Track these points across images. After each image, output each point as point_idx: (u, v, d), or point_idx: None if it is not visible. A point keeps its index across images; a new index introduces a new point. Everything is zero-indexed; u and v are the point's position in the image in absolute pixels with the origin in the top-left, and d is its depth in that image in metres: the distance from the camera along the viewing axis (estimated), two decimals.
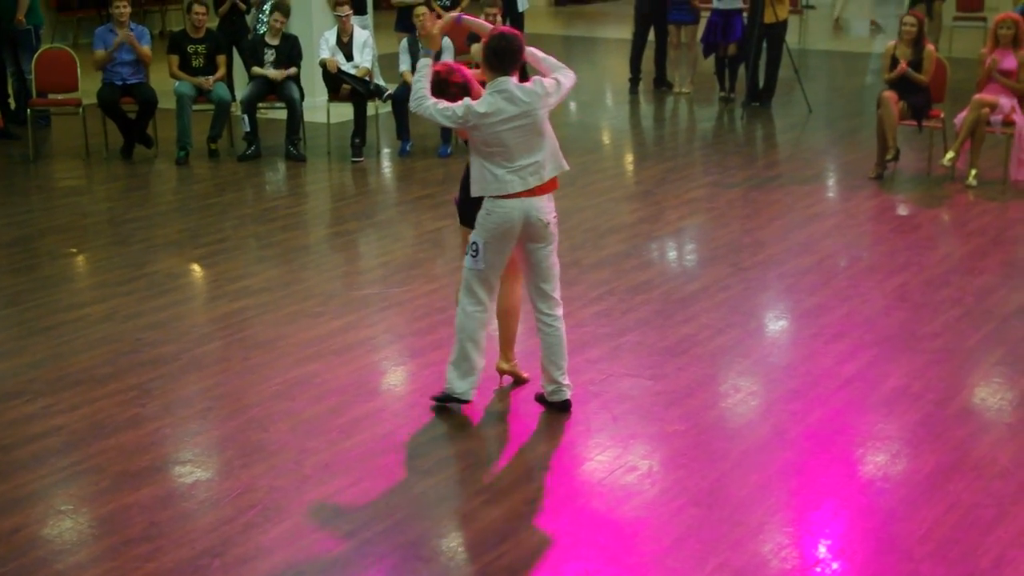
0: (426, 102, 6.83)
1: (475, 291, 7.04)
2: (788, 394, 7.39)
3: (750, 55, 15.75)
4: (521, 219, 6.83)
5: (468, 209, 7.10)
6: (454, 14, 7.26)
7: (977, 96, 12.05)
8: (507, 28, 6.97)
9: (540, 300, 7.10)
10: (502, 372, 7.60)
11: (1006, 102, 11.98)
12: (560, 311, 7.13)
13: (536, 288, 7.10)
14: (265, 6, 14.51)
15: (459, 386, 7.13)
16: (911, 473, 6.41)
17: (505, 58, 6.75)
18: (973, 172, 12.06)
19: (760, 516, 5.97)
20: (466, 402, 7.16)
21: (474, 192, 6.89)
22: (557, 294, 7.11)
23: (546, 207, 6.90)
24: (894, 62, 12.29)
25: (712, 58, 16.75)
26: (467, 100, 6.79)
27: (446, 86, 6.94)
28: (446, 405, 7.19)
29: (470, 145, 6.91)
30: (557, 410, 7.17)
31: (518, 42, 6.79)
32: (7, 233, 10.85)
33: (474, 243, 6.93)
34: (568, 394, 7.19)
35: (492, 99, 6.73)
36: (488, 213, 6.85)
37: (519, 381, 7.58)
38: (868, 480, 6.35)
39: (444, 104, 6.81)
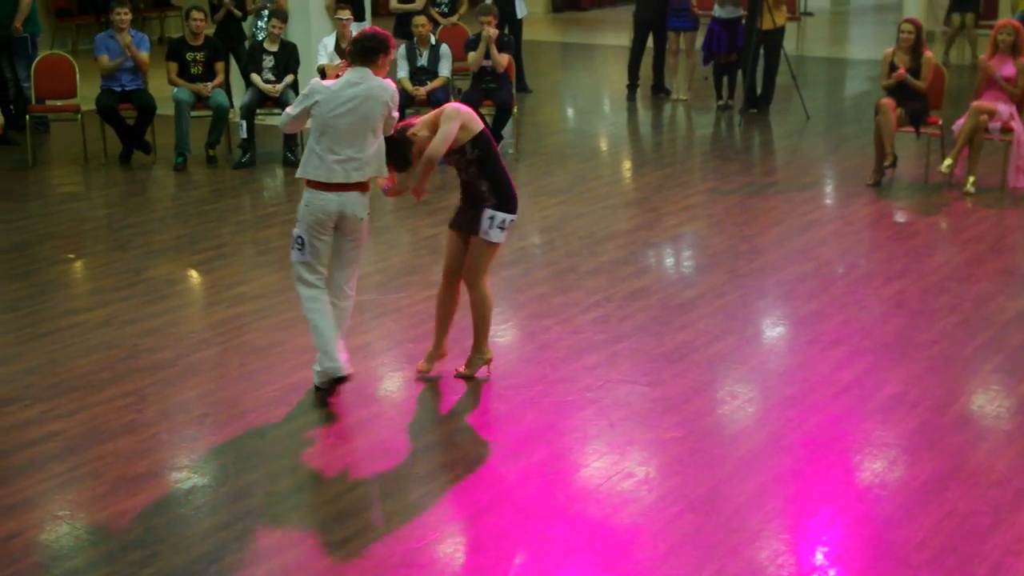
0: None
1: (305, 278, 7.41)
2: (785, 401, 7.39)
3: (748, 62, 15.73)
4: (337, 212, 7.25)
5: (464, 216, 7.43)
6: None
7: (975, 103, 12.04)
8: (373, 28, 7.48)
9: (333, 291, 7.49)
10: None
11: (1004, 109, 11.97)
12: (348, 303, 7.57)
13: (332, 278, 7.49)
14: (263, 12, 14.53)
15: (333, 366, 7.33)
16: (908, 480, 6.41)
17: (355, 48, 7.30)
18: (971, 179, 12.04)
19: (757, 523, 5.96)
20: (345, 378, 7.37)
21: (298, 173, 7.35)
22: (349, 288, 7.54)
23: (361, 203, 7.33)
24: (892, 69, 12.29)
25: (710, 65, 16.70)
26: (314, 79, 7.44)
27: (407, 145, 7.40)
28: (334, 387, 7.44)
29: (311, 128, 7.27)
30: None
31: (371, 37, 7.30)
32: (5, 239, 10.85)
33: (299, 237, 7.33)
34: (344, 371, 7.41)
35: (343, 80, 7.28)
36: (307, 204, 7.26)
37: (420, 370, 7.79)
38: (865, 487, 6.35)
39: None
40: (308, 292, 7.39)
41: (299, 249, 7.32)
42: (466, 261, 7.55)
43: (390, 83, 7.33)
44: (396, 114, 7.40)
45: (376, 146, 7.30)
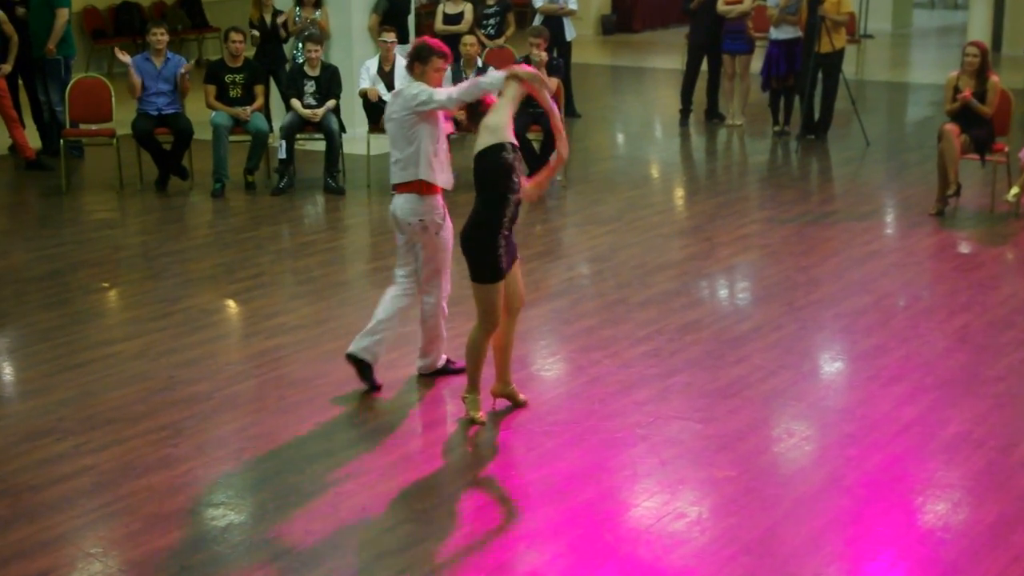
0: None
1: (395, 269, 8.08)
2: (844, 439, 7.26)
3: (805, 86, 15.55)
4: (392, 212, 7.81)
5: (511, 252, 7.37)
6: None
7: None
8: (425, 38, 7.92)
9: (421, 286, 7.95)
10: (496, 395, 7.71)
11: None
12: (430, 300, 7.93)
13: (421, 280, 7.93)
14: (305, 33, 14.47)
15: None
16: (973, 523, 6.28)
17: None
18: None
19: (814, 567, 5.86)
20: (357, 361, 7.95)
21: None
22: (428, 286, 7.89)
23: (408, 207, 7.68)
24: (956, 93, 12.06)
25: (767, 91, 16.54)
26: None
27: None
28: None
29: None
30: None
31: (410, 49, 7.77)
32: (39, 267, 10.85)
33: None
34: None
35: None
36: None
37: (516, 404, 7.71)
38: (928, 530, 6.22)
39: None
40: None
41: None
42: (518, 287, 7.52)
43: (416, 85, 7.58)
44: (428, 109, 7.51)
45: (415, 148, 7.56)
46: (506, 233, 7.18)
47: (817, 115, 15.99)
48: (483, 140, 7.15)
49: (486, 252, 7.13)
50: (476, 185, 7.21)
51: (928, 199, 12.51)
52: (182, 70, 13.34)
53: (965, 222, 12.13)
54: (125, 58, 13.27)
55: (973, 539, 6.08)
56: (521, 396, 7.70)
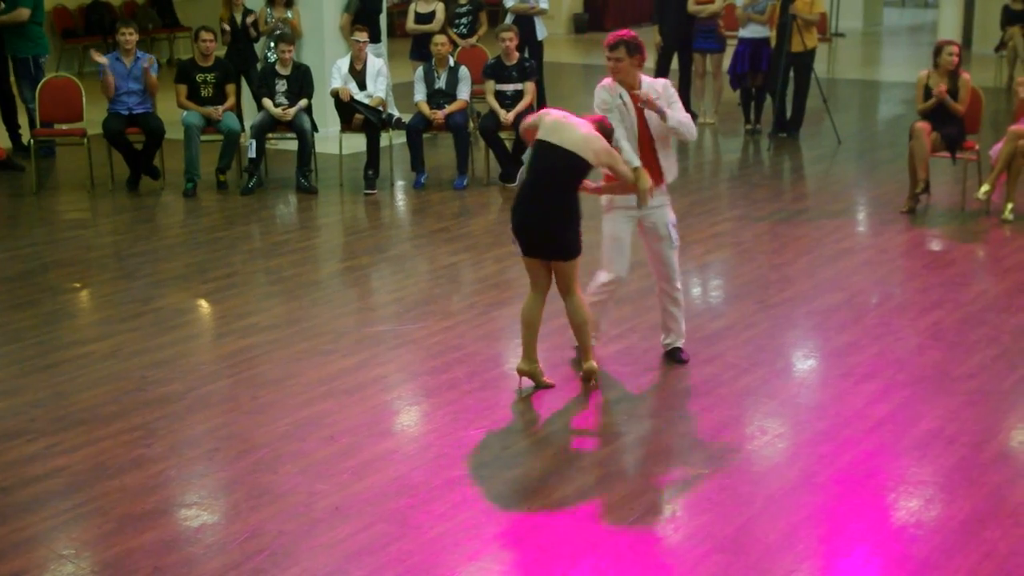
0: None
1: None
2: (817, 436, 7.24)
3: (777, 84, 15.55)
4: None
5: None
6: None
7: (1013, 127, 11.82)
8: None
9: None
10: (520, 373, 7.95)
11: None
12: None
13: None
14: (276, 33, 14.41)
15: None
16: (945, 520, 6.26)
17: None
18: (1009, 206, 11.84)
19: (788, 564, 5.83)
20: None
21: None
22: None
23: None
24: (927, 91, 12.06)
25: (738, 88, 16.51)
26: None
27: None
28: None
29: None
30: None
31: None
32: (9, 267, 10.76)
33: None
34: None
35: None
36: None
37: (540, 385, 7.91)
38: (900, 527, 6.20)
39: None
40: None
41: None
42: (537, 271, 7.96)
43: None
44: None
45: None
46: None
47: (789, 113, 15.99)
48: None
49: None
50: None
51: (900, 197, 12.53)
52: (144, 64, 13.22)
53: (936, 220, 12.13)
54: (101, 59, 13.16)
55: (945, 535, 6.07)
56: (545, 378, 7.91)
